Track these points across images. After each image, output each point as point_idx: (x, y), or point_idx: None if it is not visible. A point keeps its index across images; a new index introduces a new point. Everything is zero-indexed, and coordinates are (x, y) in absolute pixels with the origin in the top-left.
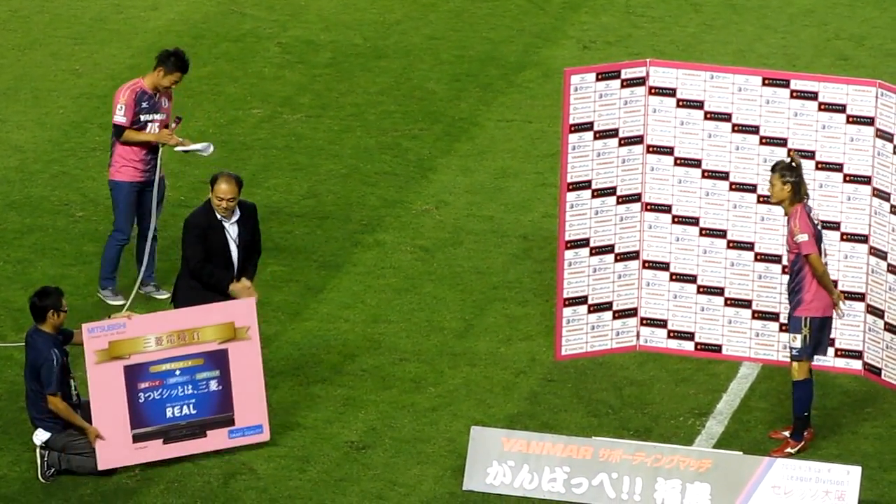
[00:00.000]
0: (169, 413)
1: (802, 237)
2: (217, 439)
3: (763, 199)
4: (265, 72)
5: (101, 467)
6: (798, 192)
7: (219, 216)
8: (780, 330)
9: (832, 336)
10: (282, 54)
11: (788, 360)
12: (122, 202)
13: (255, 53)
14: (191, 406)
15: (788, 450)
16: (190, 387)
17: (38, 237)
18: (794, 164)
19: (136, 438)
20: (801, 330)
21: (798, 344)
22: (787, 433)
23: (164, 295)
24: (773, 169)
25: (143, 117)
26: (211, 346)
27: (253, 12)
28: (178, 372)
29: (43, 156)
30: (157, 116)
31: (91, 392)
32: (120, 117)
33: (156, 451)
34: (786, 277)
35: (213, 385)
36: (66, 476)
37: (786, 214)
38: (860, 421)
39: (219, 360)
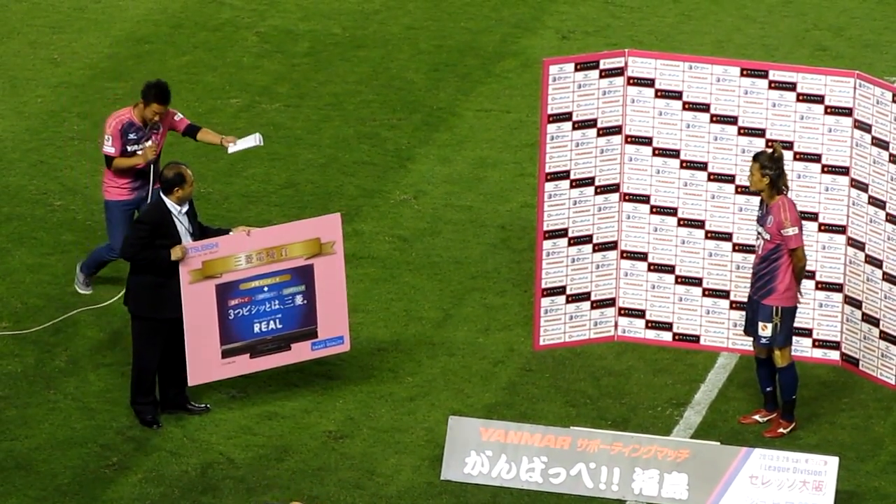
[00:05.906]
0: (256, 328)
1: (792, 230)
2: (301, 352)
3: (741, 190)
4: (243, 61)
5: (191, 383)
6: (776, 185)
7: (176, 208)
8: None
9: (810, 327)
10: (260, 44)
11: (753, 349)
12: (114, 220)
13: (233, 43)
14: (277, 321)
15: (781, 430)
16: (277, 302)
17: (15, 226)
18: (776, 155)
19: (225, 354)
20: (773, 319)
21: (769, 333)
22: (757, 416)
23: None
24: (755, 158)
25: (130, 148)
26: (298, 262)
27: (231, 1)
28: (266, 288)
29: (21, 145)
30: (148, 145)
31: (185, 310)
32: (108, 147)
33: (243, 365)
34: None
35: (299, 300)
36: (44, 466)
37: (766, 203)
38: (837, 411)
39: (305, 276)
